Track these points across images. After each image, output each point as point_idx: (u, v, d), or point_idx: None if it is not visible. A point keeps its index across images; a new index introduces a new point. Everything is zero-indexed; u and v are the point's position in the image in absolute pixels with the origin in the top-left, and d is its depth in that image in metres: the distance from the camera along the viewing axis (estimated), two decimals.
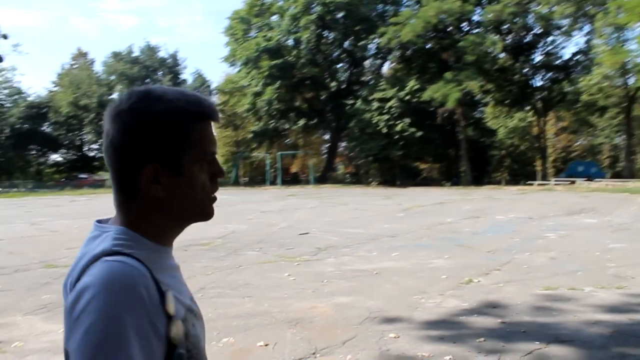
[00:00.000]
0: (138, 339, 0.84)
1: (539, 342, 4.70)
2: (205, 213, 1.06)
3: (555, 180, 39.57)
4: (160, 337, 0.89)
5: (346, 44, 51.28)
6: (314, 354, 4.53)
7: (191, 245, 10.52)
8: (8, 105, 56.18)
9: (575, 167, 44.52)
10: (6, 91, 57.04)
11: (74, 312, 0.86)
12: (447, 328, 5.20)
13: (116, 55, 58.42)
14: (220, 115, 1.06)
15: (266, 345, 4.73)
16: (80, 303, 0.86)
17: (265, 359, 4.44)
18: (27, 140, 55.27)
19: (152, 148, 0.97)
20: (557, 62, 45.97)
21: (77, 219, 16.57)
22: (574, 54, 46.16)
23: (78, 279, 0.91)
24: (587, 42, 43.77)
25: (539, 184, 38.93)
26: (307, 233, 12.61)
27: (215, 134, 1.07)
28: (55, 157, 61.23)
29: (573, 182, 36.90)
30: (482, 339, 4.82)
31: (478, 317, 5.56)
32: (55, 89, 59.83)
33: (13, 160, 56.73)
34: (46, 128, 58.04)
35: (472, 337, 4.91)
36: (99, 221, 1.04)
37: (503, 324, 5.31)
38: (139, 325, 0.85)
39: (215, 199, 1.07)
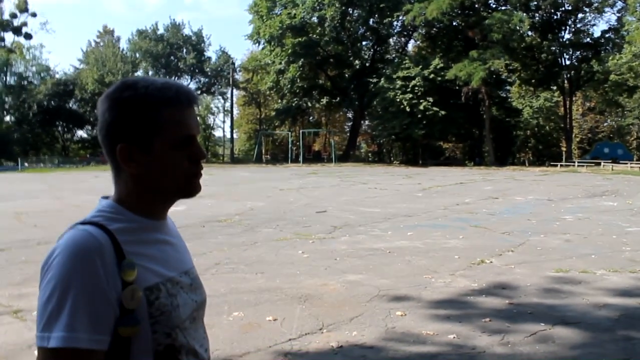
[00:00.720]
0: (83, 300, 0.96)
1: (544, 324, 4.72)
2: (183, 189, 1.14)
3: (579, 162, 38.99)
4: (109, 301, 0.99)
5: (371, 21, 50.70)
6: (320, 329, 4.63)
7: (209, 221, 10.68)
8: (36, 82, 56.96)
9: (601, 148, 43.77)
10: (34, 69, 57.81)
11: (43, 268, 1.01)
12: (454, 308, 5.25)
13: (141, 33, 58.46)
14: (194, 99, 1.14)
15: (275, 319, 4.84)
16: (47, 261, 1.01)
17: (273, 333, 4.52)
18: (54, 117, 56.04)
19: (121, 130, 1.09)
20: (587, 40, 44.94)
21: (100, 194, 16.81)
22: (604, 32, 45.15)
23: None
24: (619, 19, 42.70)
25: (562, 165, 38.41)
26: (324, 211, 12.70)
27: (193, 117, 1.14)
28: (81, 133, 62.15)
29: (598, 164, 36.34)
30: (487, 319, 4.86)
31: (486, 297, 5.59)
32: (81, 66, 60.43)
33: (40, 137, 57.77)
34: (72, 105, 58.74)
35: (478, 317, 4.95)
36: (104, 197, 1.17)
37: (510, 304, 5.33)
38: (86, 287, 0.97)
39: (197, 175, 1.15)
